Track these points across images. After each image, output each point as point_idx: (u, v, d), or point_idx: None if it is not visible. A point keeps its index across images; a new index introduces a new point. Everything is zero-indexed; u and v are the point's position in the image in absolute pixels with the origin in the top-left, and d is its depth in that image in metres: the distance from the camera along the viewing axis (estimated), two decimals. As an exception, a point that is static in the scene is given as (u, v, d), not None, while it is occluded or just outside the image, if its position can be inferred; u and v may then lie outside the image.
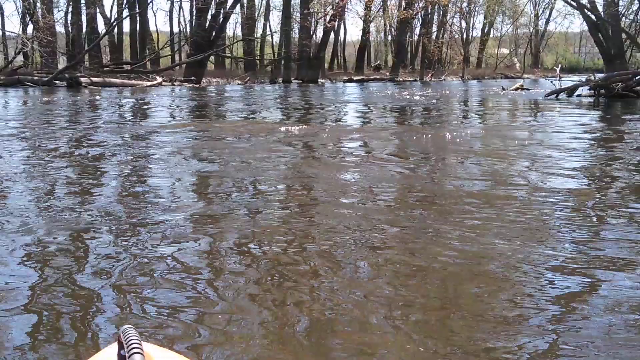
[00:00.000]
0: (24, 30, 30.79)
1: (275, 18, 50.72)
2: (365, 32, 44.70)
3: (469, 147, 7.73)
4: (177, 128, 10.05)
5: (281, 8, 37.78)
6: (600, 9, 29.65)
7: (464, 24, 49.67)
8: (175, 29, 43.14)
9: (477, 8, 49.93)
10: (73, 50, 31.07)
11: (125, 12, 35.08)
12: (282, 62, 37.53)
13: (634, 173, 5.86)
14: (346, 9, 37.83)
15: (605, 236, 3.59)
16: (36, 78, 25.20)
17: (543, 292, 2.71)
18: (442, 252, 3.26)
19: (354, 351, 2.19)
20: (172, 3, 41.95)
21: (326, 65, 42.89)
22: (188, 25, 40.18)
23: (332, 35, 42.04)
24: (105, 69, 29.80)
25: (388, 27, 49.61)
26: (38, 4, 29.68)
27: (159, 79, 28.31)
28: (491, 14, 50.14)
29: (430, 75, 41.95)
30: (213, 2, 31.05)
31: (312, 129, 10.01)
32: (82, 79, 25.03)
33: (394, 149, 7.84)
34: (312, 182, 5.42)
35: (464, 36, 49.44)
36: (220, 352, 2.17)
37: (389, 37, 51.94)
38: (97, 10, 33.67)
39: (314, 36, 38.96)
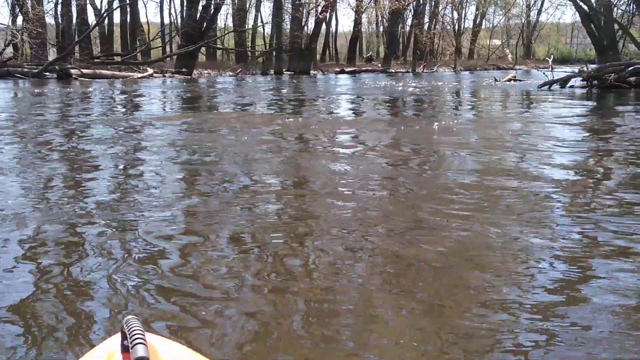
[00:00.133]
0: (14, 21, 30.51)
1: (267, 9, 50.75)
2: (357, 23, 44.68)
3: (462, 139, 7.73)
4: (169, 120, 10.02)
5: (272, -1, 37.70)
6: (593, -1, 29.72)
7: (455, 14, 49.74)
8: (166, 20, 43.02)
9: (469, -1, 50.01)
10: (63, 42, 30.86)
11: (116, 3, 34.95)
12: (274, 53, 37.46)
13: (628, 164, 5.88)
14: (338, 0, 37.81)
15: (601, 225, 3.59)
16: (26, 70, 25.05)
17: (540, 281, 2.72)
18: (437, 242, 3.26)
19: (353, 338, 2.19)
20: (162, -6, 41.77)
21: (318, 57, 42.82)
22: (179, 16, 40.04)
23: (323, 26, 42.02)
24: (95, 60, 29.62)
25: (380, 18, 49.59)
26: (28, -5, 29.47)
27: (150, 71, 28.18)
28: (483, 5, 50.18)
29: (422, 66, 41.92)
30: (204, -7, 30.92)
31: (305, 120, 10.00)
32: (73, 71, 24.89)
33: (387, 140, 7.83)
34: (306, 173, 5.41)
35: (456, 27, 49.49)
36: (220, 342, 2.16)
37: (381, 28, 51.96)
38: (87, 1, 33.48)
39: (305, 27, 38.89)
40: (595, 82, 16.87)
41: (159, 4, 42.51)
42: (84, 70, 25.34)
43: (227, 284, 2.70)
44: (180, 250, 3.15)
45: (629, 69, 16.95)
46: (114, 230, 3.51)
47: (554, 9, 71.37)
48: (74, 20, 32.65)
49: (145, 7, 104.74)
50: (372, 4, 44.89)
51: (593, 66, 19.68)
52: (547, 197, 4.34)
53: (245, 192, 4.58)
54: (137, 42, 34.71)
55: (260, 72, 34.65)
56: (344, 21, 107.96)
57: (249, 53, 39.34)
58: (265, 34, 43.63)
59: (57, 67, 25.09)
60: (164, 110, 12.63)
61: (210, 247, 3.23)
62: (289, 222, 3.73)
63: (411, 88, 20.56)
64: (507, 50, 57.53)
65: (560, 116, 10.28)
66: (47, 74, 24.91)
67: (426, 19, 48.41)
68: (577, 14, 30.63)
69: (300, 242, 3.35)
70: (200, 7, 31.51)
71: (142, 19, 41.17)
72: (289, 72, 34.87)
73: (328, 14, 39.08)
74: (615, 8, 31.41)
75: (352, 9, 42.21)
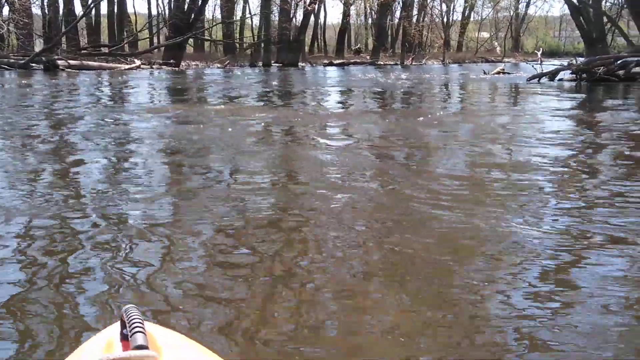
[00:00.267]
0: (0, 12, 30.23)
1: (255, 0, 50.45)
2: (346, 15, 44.62)
3: (452, 131, 7.75)
4: (158, 112, 9.95)
5: (261, -10, 37.54)
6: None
7: (444, 7, 49.87)
8: (154, 11, 42.80)
9: (457, -9, 50.08)
10: (50, 33, 30.62)
11: (103, -6, 34.63)
12: (262, 45, 37.33)
13: (615, 157, 5.94)
14: (327, -8, 37.74)
15: (590, 215, 3.62)
16: (12, 61, 24.83)
17: (531, 270, 2.74)
18: (427, 232, 3.28)
19: (342, 329, 2.20)
20: (150, -15, 41.52)
21: (306, 49, 42.77)
22: (167, 8, 39.78)
23: (312, 18, 41.90)
24: (82, 51, 29.37)
25: (368, 10, 49.64)
26: (13, -15, 29.15)
27: (138, 62, 27.98)
28: (472, -3, 50.29)
29: (410, 59, 41.97)
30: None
31: (294, 112, 9.98)
32: (59, 62, 24.65)
33: (376, 132, 7.83)
34: (295, 165, 5.40)
35: (445, 19, 49.62)
36: (216, 333, 2.16)
37: (370, 21, 51.97)
38: (74, -9, 33.17)
39: (293, 19, 38.82)
40: (584, 75, 16.95)
41: (146, -5, 42.31)
42: (71, 62, 25.10)
43: (219, 275, 2.70)
44: (170, 240, 3.14)
45: (618, 62, 17.04)
46: (103, 221, 3.48)
47: (542, 1, 71.91)
48: (61, 11, 32.36)
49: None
50: (360, -5, 44.89)
51: (582, 59, 19.77)
52: (537, 188, 4.36)
53: (234, 184, 4.57)
54: (125, 33, 34.52)
55: (249, 63, 34.57)
56: (333, 13, 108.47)
57: (237, 45, 39.20)
58: (254, 26, 43.45)
59: (43, 58, 24.80)
60: (152, 102, 12.55)
61: (201, 238, 3.22)
62: (277, 213, 3.73)
63: (400, 81, 20.58)
64: (496, 43, 57.69)
65: (549, 109, 10.33)
66: (33, 65, 24.65)
67: (415, 11, 48.44)
68: (565, 6, 30.77)
69: (288, 233, 3.35)
70: (188, -2, 31.34)
71: (130, 9, 41.01)
72: (277, 64, 34.80)
73: (316, 6, 39.02)
74: (604, 1, 31.59)
75: (341, 1, 42.36)
